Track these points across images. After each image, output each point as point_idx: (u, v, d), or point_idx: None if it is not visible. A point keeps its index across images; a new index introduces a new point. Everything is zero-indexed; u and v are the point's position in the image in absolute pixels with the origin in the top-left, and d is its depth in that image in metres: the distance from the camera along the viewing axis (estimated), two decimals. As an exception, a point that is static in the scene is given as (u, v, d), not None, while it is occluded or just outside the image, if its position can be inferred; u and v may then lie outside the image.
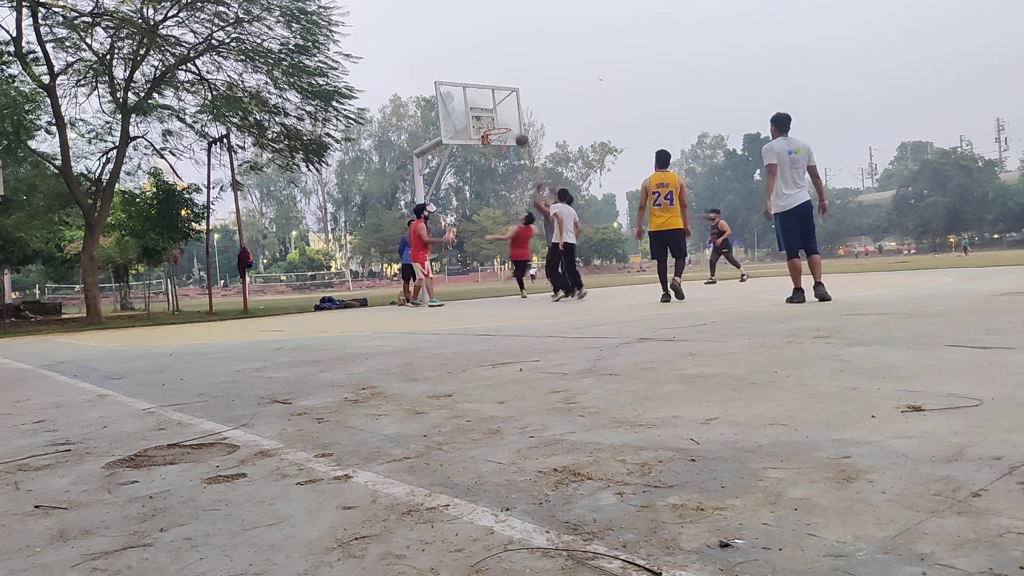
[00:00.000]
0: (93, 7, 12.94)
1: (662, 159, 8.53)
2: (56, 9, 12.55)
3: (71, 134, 14.28)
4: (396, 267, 66.34)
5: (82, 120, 15.07)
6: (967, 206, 73.44)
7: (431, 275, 12.76)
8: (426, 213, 12.48)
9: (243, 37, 14.12)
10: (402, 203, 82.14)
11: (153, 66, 14.80)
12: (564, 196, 11.26)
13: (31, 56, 12.87)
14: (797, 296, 6.50)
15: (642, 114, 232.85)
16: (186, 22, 13.94)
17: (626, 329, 4.89)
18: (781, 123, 6.81)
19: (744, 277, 14.35)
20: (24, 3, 11.96)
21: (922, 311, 4.72)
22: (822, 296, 6.35)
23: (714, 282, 13.76)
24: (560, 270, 11.14)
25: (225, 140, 15.02)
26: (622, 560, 1.05)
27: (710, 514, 1.22)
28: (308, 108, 15.10)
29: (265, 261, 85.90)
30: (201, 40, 14.17)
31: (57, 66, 13.26)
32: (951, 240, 70.90)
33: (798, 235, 6.58)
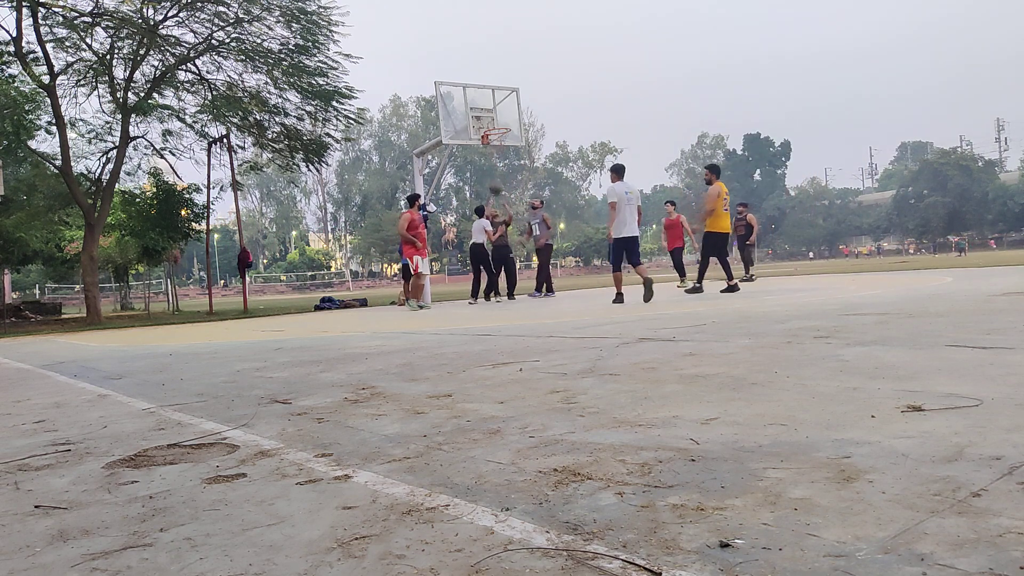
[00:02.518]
0: (93, 7, 12.94)
1: (719, 170, 9.89)
2: (56, 9, 12.55)
3: (71, 134, 14.29)
4: (396, 267, 66.34)
5: (82, 120, 15.09)
6: (967, 206, 73.35)
7: (420, 274, 11.47)
8: (420, 203, 11.91)
9: (243, 37, 14.12)
10: (402, 203, 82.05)
11: (153, 66, 14.81)
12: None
13: (31, 56, 12.87)
14: (619, 299, 8.66)
15: (642, 113, 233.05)
16: (186, 22, 13.94)
17: (626, 329, 4.89)
18: (620, 171, 8.96)
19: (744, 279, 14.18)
20: (24, 3, 11.96)
21: (922, 311, 4.72)
22: (648, 291, 8.60)
23: (751, 278, 13.65)
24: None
25: (225, 140, 15.02)
26: (622, 560, 1.05)
27: (710, 514, 1.22)
28: (308, 108, 15.10)
29: (265, 261, 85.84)
30: (201, 40, 14.17)
31: (57, 66, 13.27)
32: (940, 240, 70.80)
33: (625, 256, 8.85)
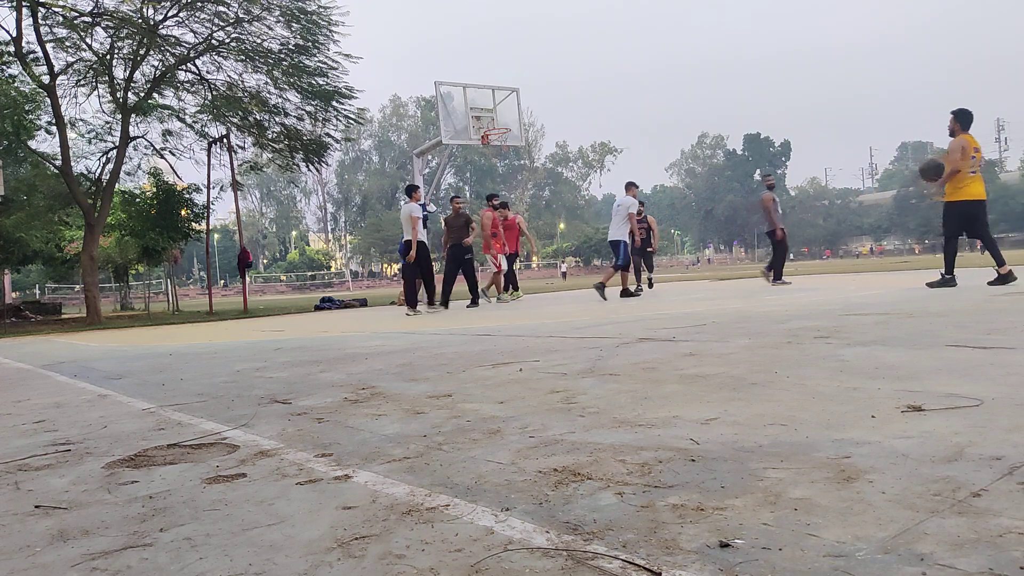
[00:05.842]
0: (93, 7, 12.95)
1: (970, 119, 7.45)
2: (56, 9, 12.55)
3: (71, 134, 14.31)
4: (396, 267, 66.28)
5: (82, 120, 15.12)
6: (967, 206, 73.23)
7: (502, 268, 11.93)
8: (495, 203, 12.04)
9: (243, 37, 14.12)
10: (402, 203, 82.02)
11: (153, 66, 14.81)
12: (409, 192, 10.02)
13: (31, 56, 12.88)
14: (627, 293, 10.19)
15: (641, 109, 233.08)
16: (186, 22, 13.95)
17: (626, 329, 4.89)
18: (630, 185, 10.45)
19: (639, 288, 11.80)
20: (24, 3, 11.97)
21: (922, 311, 4.72)
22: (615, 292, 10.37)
23: (640, 291, 11.55)
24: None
25: (225, 140, 15.02)
26: (622, 560, 1.05)
27: (710, 514, 1.22)
28: (308, 108, 15.11)
29: (265, 261, 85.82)
30: (201, 40, 14.18)
31: (57, 66, 13.27)
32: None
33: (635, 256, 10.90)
